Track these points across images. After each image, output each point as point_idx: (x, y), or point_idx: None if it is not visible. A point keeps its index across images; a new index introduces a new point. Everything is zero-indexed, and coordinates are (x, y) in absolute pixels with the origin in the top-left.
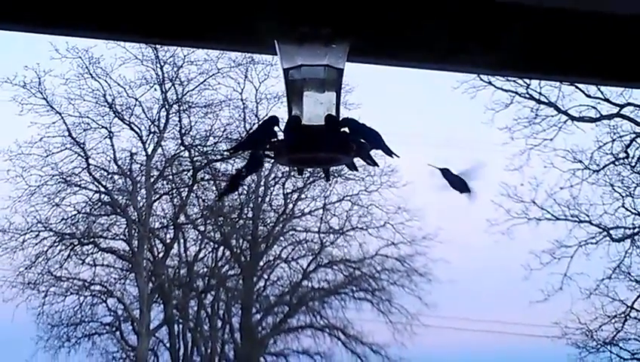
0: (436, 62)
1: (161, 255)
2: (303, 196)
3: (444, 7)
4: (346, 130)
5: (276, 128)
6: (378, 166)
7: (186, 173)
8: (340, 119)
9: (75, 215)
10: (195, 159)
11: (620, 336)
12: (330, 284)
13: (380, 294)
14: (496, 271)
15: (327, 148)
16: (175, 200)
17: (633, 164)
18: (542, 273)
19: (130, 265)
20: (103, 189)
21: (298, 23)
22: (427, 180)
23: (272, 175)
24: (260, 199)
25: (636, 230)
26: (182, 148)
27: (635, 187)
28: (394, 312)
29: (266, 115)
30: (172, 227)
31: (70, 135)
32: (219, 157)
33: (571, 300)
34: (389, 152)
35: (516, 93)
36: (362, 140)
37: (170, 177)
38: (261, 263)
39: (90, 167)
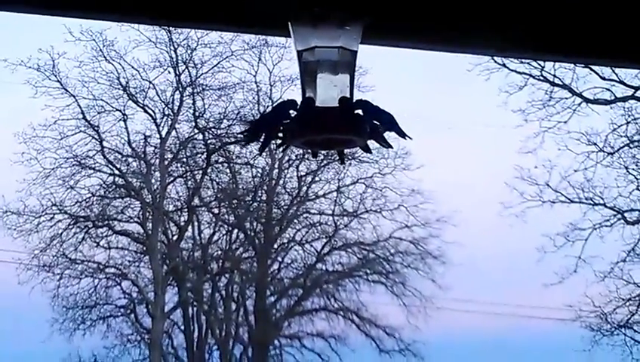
0: (450, 44)
1: (175, 237)
2: (316, 179)
3: None
4: (360, 112)
5: (291, 111)
6: (392, 148)
7: (200, 155)
8: (354, 101)
9: (89, 197)
10: (209, 142)
11: (634, 319)
12: (344, 267)
13: (394, 277)
14: (510, 253)
15: (341, 130)
16: (189, 182)
17: None
18: (556, 256)
19: (144, 248)
20: (117, 172)
21: (312, 4)
22: (441, 163)
23: (286, 158)
24: (273, 182)
25: None
26: (196, 130)
27: None
28: (408, 295)
29: (280, 97)
30: (186, 210)
31: (84, 118)
32: (233, 139)
33: (585, 283)
34: (402, 134)
35: (530, 75)
36: (376, 122)
37: (184, 160)
38: (275, 246)
39: (105, 149)
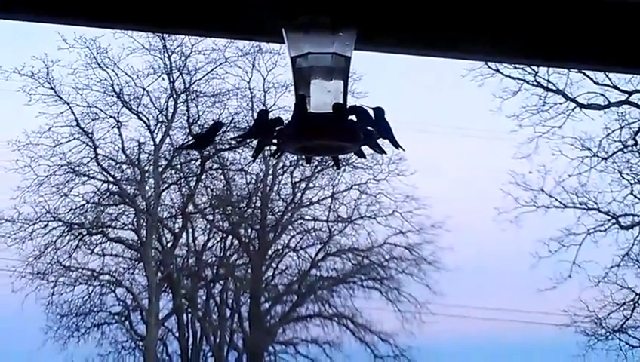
0: (444, 50)
1: (169, 244)
2: (311, 185)
3: None
4: (354, 118)
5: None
6: (386, 154)
7: (194, 162)
8: (348, 107)
9: (83, 205)
10: None
11: (628, 324)
12: (339, 273)
13: (389, 283)
14: (505, 259)
15: (335, 136)
16: (183, 189)
17: None
18: (550, 261)
19: (138, 255)
20: (111, 179)
21: (305, 10)
22: (436, 169)
23: (280, 164)
24: (268, 188)
25: None
26: (190, 137)
27: None
28: (402, 301)
29: (274, 103)
30: (180, 216)
31: (78, 125)
32: (227, 146)
33: (580, 288)
34: (396, 144)
35: (524, 80)
36: (370, 128)
37: (179, 166)
38: (270, 252)
39: (99, 156)
